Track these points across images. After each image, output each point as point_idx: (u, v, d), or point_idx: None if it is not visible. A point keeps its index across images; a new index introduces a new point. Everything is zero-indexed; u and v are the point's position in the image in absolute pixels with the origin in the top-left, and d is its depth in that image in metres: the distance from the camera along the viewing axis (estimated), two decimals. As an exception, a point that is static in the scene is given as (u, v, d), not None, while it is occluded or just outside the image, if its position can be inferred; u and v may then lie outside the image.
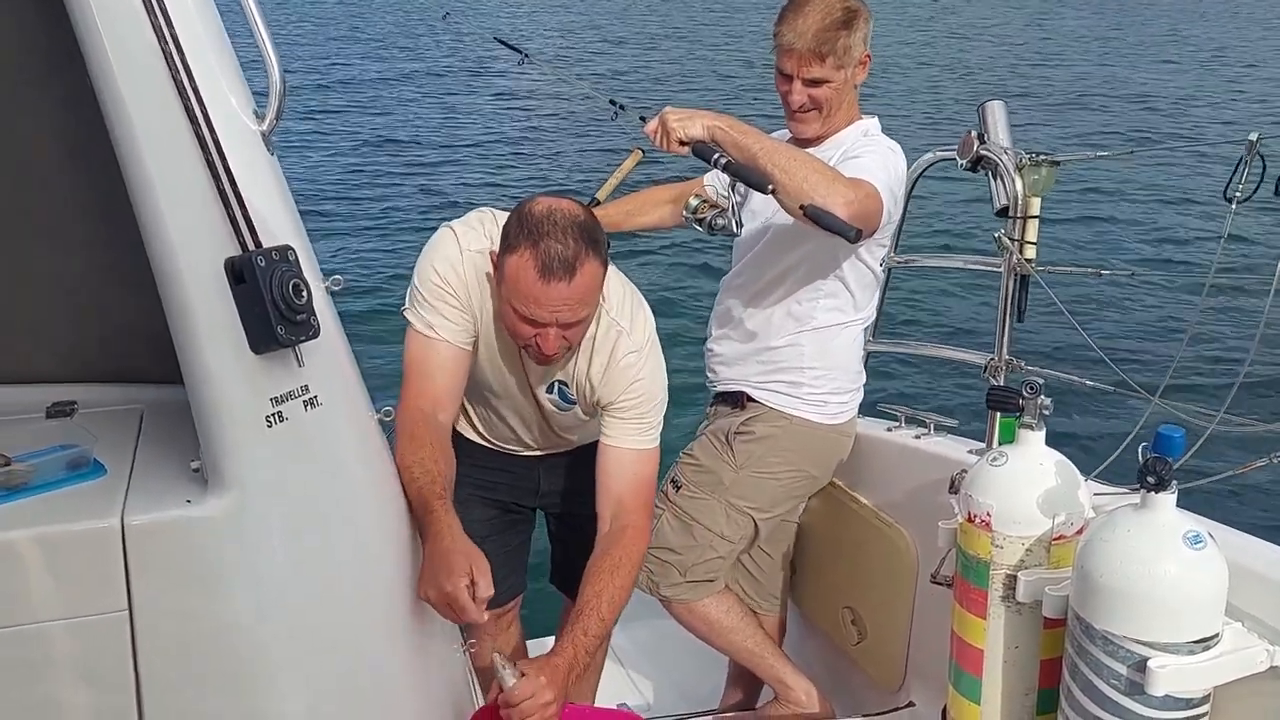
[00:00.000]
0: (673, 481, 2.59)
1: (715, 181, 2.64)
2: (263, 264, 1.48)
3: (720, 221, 2.36)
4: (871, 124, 2.45)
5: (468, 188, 12.60)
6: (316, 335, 1.56)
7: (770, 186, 2.00)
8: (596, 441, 2.24)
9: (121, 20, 1.40)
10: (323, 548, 1.61)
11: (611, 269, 2.15)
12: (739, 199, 2.48)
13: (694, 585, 2.54)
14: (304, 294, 1.53)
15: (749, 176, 2.03)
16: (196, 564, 1.45)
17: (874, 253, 2.45)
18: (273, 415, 1.52)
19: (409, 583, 1.85)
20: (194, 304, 1.43)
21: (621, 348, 2.09)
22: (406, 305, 2.10)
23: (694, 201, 2.45)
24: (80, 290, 1.87)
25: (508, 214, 2.04)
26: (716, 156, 2.07)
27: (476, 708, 2.05)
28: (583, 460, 2.41)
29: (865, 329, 2.65)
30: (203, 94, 1.45)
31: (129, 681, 1.43)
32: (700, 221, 2.41)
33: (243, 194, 1.49)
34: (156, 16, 1.40)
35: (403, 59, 23.45)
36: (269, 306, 1.48)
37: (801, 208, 2.02)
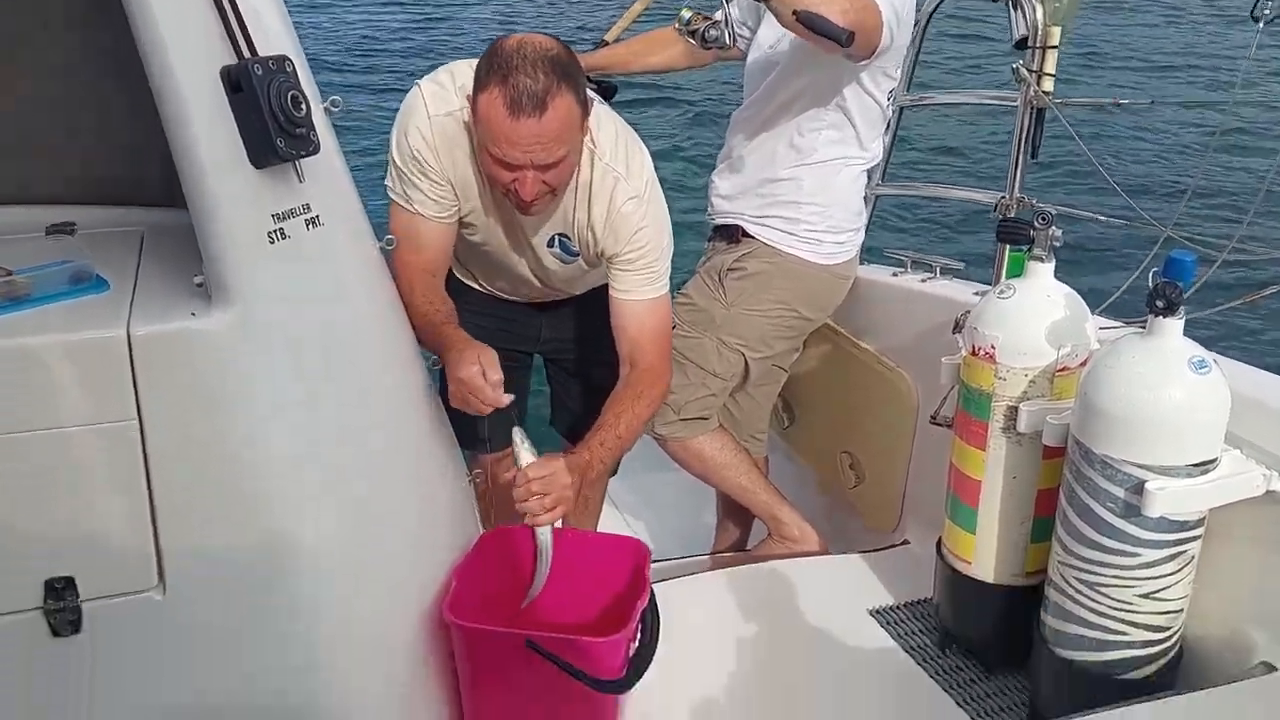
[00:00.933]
0: None
1: (734, 11, 2.53)
2: (259, 73, 1.44)
3: (713, 33, 2.28)
4: None
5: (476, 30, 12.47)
6: (317, 151, 1.53)
7: None
8: (598, 288, 2.24)
9: None
10: (328, 366, 1.62)
11: (605, 111, 2.09)
12: (738, 15, 2.41)
13: (688, 423, 2.57)
14: (303, 106, 1.49)
15: None
16: (203, 377, 1.45)
17: (879, 83, 2.38)
18: (275, 231, 1.50)
19: (414, 404, 1.87)
20: (192, 115, 1.40)
21: (620, 194, 2.03)
22: (387, 174, 2.06)
23: (686, 14, 2.38)
24: (79, 111, 1.83)
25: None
26: None
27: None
28: (585, 307, 2.41)
29: (870, 170, 2.61)
30: None
31: (142, 490, 1.44)
32: (694, 34, 2.34)
33: (238, 3, 1.44)
34: None
35: None
36: (267, 118, 1.45)
37: (794, 13, 1.97)
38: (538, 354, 2.63)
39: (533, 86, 1.77)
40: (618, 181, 2.03)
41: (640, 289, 2.10)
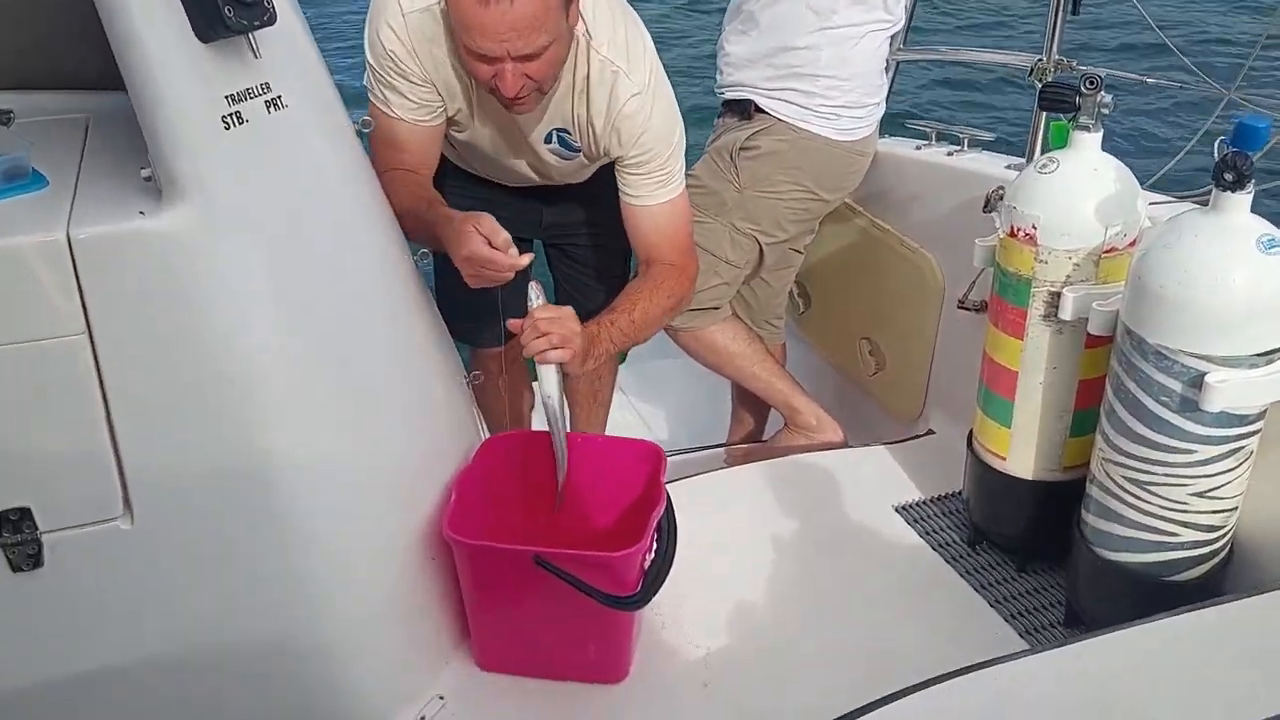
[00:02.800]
0: None
1: None
2: (204, -71, 1.24)
3: None
4: None
5: None
6: (273, 21, 1.34)
7: None
8: (604, 171, 2.07)
9: None
10: (301, 262, 1.46)
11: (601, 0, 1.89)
12: None
13: (700, 313, 2.42)
14: None
15: None
16: (157, 281, 1.30)
17: None
18: (230, 116, 1.33)
19: (403, 300, 1.71)
20: None
21: (621, 91, 1.86)
22: (364, 74, 1.88)
23: None
24: None
25: None
26: None
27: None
28: (588, 192, 2.25)
29: (893, 36, 2.40)
30: None
31: (98, 409, 1.30)
32: None
33: None
34: None
35: None
36: (213, -18, 1.26)
37: None
38: (540, 239, 2.47)
39: None
40: (618, 76, 1.85)
41: (654, 193, 1.96)
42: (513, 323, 1.75)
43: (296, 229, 1.46)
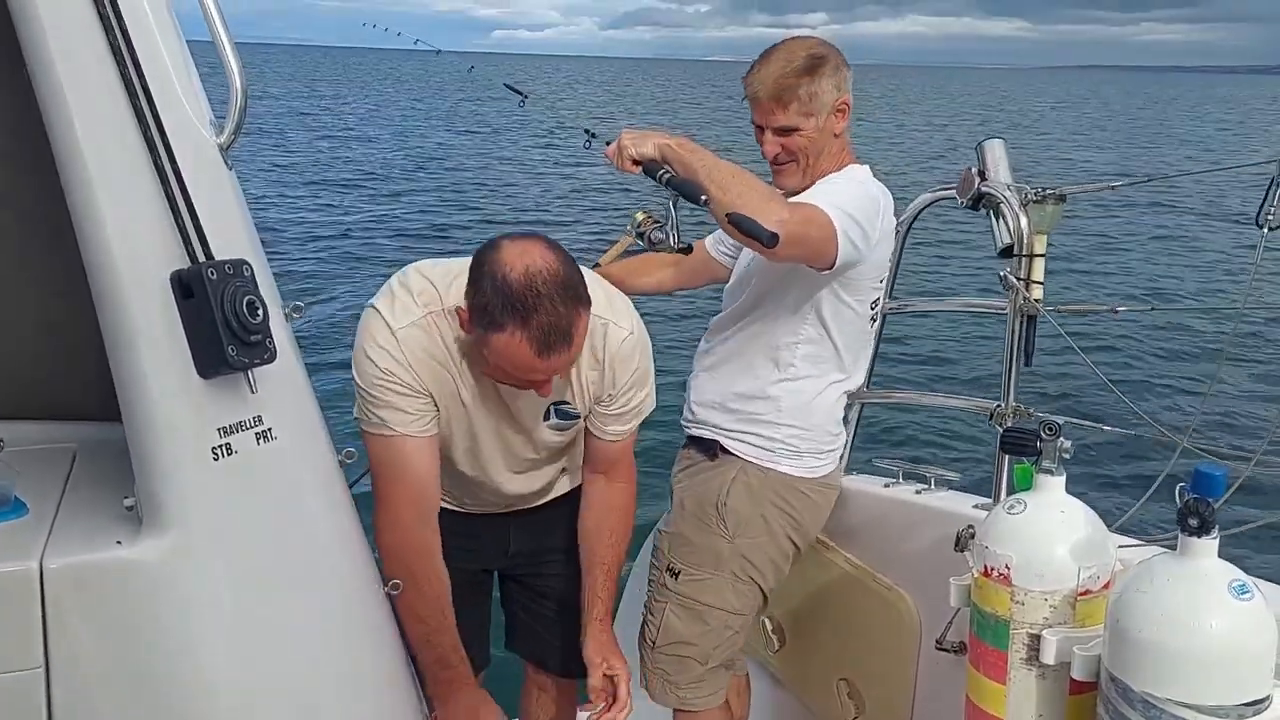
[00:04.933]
0: (669, 570, 2.43)
1: (718, 243, 2.59)
2: (214, 277, 1.34)
3: (658, 235, 2.26)
4: (861, 170, 2.35)
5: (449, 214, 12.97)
6: (272, 359, 1.40)
7: (703, 197, 1.98)
8: (566, 495, 2.29)
9: (70, 21, 1.27)
10: (275, 599, 1.43)
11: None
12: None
13: (714, 672, 2.41)
14: (259, 312, 1.38)
15: (686, 189, 2.01)
16: (127, 614, 1.27)
17: (858, 298, 2.32)
18: (220, 447, 1.36)
19: (372, 641, 1.66)
20: (135, 320, 1.28)
21: (613, 337, 2.01)
22: (355, 406, 1.94)
23: (639, 216, 2.38)
24: (13, 324, 1.71)
25: (433, 268, 1.94)
26: (661, 172, 2.05)
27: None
28: (553, 516, 2.32)
29: (849, 391, 2.51)
30: (155, 100, 1.32)
31: None
32: (641, 236, 2.34)
33: (195, 205, 1.35)
34: (109, 19, 1.28)
35: (411, 105, 25.11)
36: (220, 325, 1.33)
37: (726, 216, 1.97)
38: (501, 572, 2.46)
39: (558, 324, 1.75)
40: (608, 327, 2.00)
41: (624, 428, 2.14)
42: None
43: (271, 561, 1.45)
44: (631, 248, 2.54)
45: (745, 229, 1.94)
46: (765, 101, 2.23)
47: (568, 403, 2.06)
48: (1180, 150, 28.73)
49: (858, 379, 2.48)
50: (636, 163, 2.09)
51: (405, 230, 13.62)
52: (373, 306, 1.91)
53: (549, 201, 15.29)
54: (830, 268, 2.15)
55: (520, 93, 3.36)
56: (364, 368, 1.88)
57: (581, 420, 2.13)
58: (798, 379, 2.37)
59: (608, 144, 2.18)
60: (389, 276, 1.97)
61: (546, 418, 2.08)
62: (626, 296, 2.11)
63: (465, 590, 2.30)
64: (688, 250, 2.28)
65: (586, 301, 1.82)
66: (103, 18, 1.29)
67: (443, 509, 2.25)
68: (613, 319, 2.01)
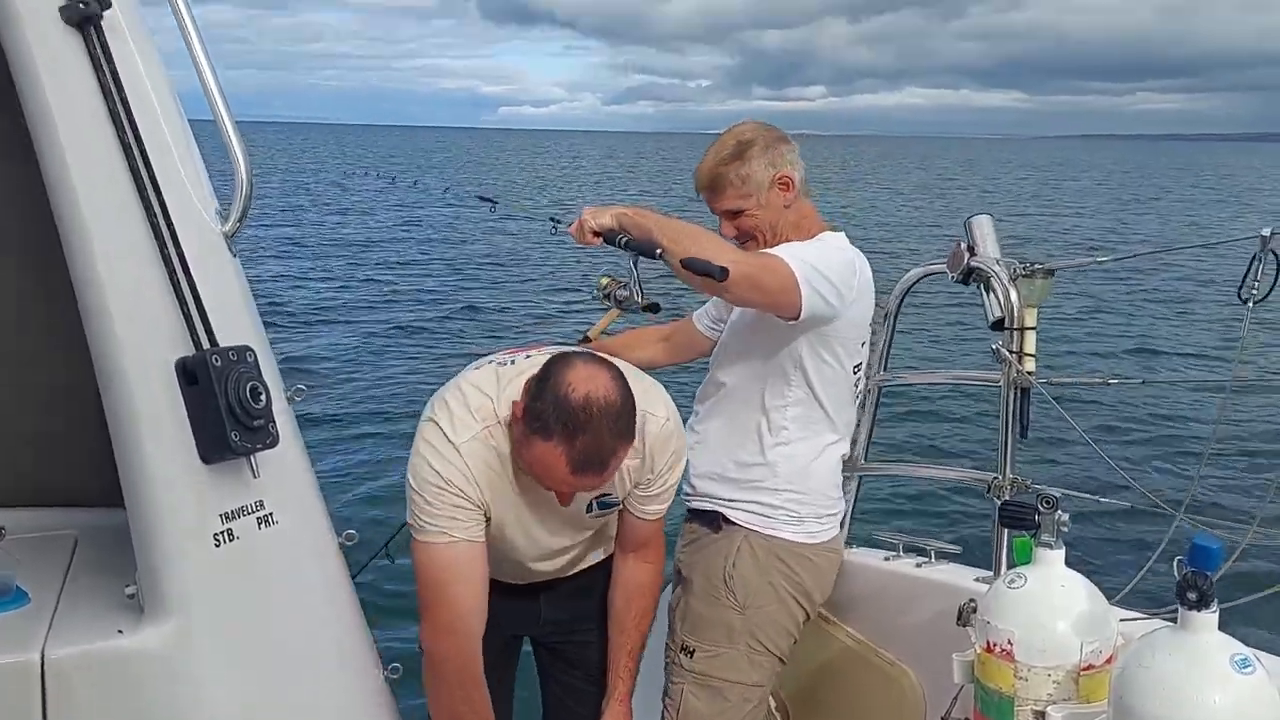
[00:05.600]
0: (683, 649, 2.42)
1: (710, 310, 2.63)
2: (218, 364, 1.35)
3: (621, 294, 2.39)
4: (834, 237, 2.40)
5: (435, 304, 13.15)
6: (275, 444, 1.42)
7: (659, 250, 2.10)
8: (598, 564, 2.30)
9: (79, 111, 1.31)
10: (276, 684, 1.43)
11: (614, 361, 2.12)
12: (713, 311, 2.59)
13: None
14: (262, 398, 1.40)
15: (643, 247, 2.14)
16: (128, 703, 1.27)
17: (839, 354, 2.34)
18: (222, 533, 1.36)
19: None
20: (140, 406, 1.29)
21: (651, 426, 2.07)
22: (409, 514, 1.95)
23: (603, 281, 2.46)
24: (14, 411, 1.72)
25: (484, 378, 2.01)
26: (619, 237, 2.18)
27: None
28: (584, 585, 2.33)
29: (844, 455, 2.52)
30: (162, 189, 1.36)
31: None
32: (609, 297, 2.45)
33: (200, 293, 1.37)
34: (117, 110, 1.32)
35: (392, 214, 25.83)
36: (223, 410, 1.35)
37: (680, 262, 2.07)
38: (534, 639, 2.48)
39: (599, 452, 1.83)
40: (645, 416, 2.03)
41: (658, 509, 2.18)
42: None
43: (272, 647, 1.45)
44: (617, 322, 2.64)
45: (698, 269, 2.05)
46: (704, 191, 2.37)
47: (610, 494, 2.12)
48: (1175, 219, 29.21)
49: (846, 432, 2.49)
50: (597, 234, 2.21)
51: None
52: (433, 420, 1.96)
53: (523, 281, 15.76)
54: (797, 317, 2.19)
55: (491, 200, 3.57)
56: (424, 478, 1.91)
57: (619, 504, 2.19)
58: (791, 442, 2.39)
59: (568, 225, 2.31)
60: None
61: (589, 510, 2.14)
62: (659, 386, 2.17)
63: (502, 655, 2.38)
64: (655, 308, 2.37)
65: (630, 437, 1.90)
66: (110, 109, 1.32)
67: None
68: (649, 409, 2.05)
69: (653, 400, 2.10)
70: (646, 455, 2.09)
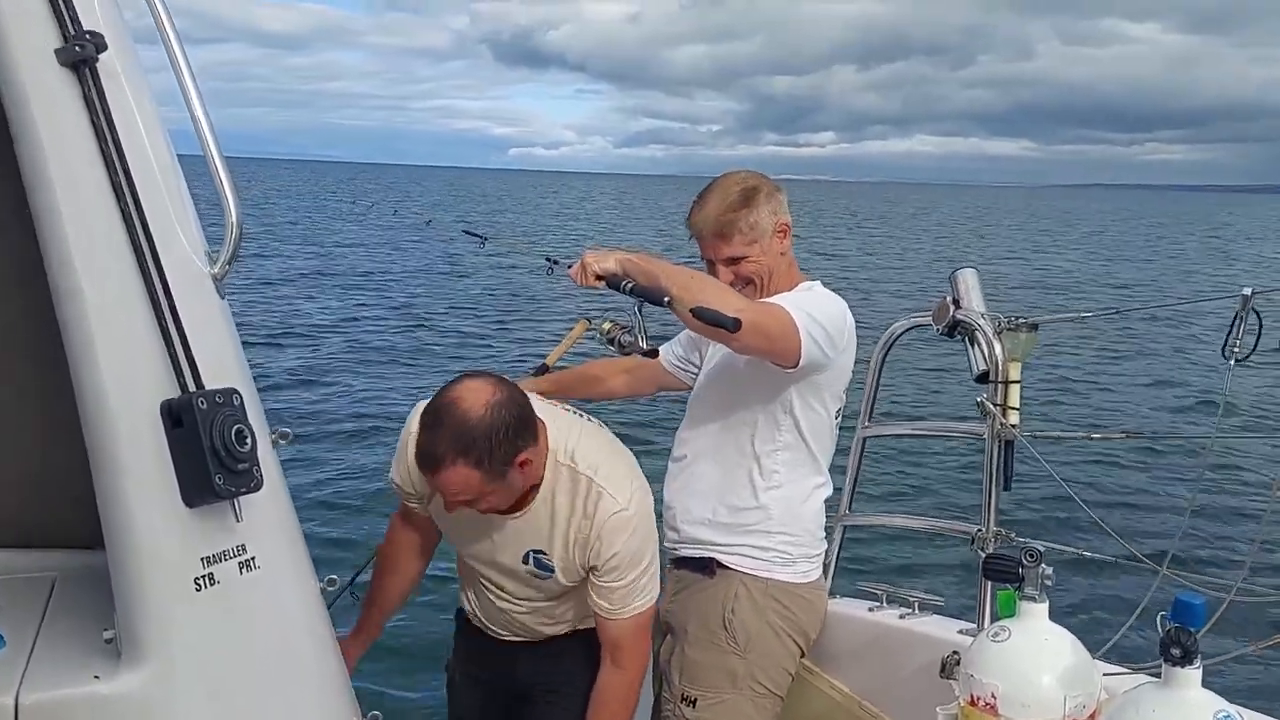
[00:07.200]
0: (684, 699, 2.40)
1: (676, 349, 2.66)
2: (204, 407, 1.35)
3: (626, 339, 2.35)
4: (817, 285, 2.44)
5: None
6: (258, 488, 1.41)
7: (666, 299, 2.09)
8: (576, 630, 2.27)
9: (71, 154, 1.32)
10: None
11: (590, 426, 2.17)
12: (680, 353, 2.63)
13: None
14: (248, 441, 1.39)
15: (649, 294, 2.13)
16: None
17: (826, 402, 2.37)
18: (203, 577, 1.35)
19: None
20: (124, 448, 1.29)
21: (605, 509, 2.05)
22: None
23: (605, 325, 2.45)
24: None
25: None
26: (624, 283, 2.18)
27: None
28: (562, 646, 2.32)
29: (827, 496, 2.53)
30: (152, 231, 1.36)
31: None
32: (611, 341, 2.40)
33: (187, 335, 1.37)
34: (110, 153, 1.33)
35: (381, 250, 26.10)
36: (208, 453, 1.34)
37: (691, 310, 2.06)
38: (517, 693, 2.45)
39: (430, 450, 1.88)
40: (602, 496, 2.04)
41: (621, 608, 2.10)
42: None
43: (252, 693, 1.43)
44: (581, 345, 2.67)
45: (709, 319, 2.05)
46: (709, 238, 2.36)
47: (545, 553, 2.12)
48: (1174, 269, 29.70)
49: (829, 481, 2.50)
50: (600, 278, 2.21)
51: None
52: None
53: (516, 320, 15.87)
54: (795, 365, 2.21)
55: (479, 236, 3.59)
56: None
57: (559, 576, 2.15)
58: (783, 485, 2.40)
59: (569, 266, 2.31)
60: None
61: (525, 561, 2.14)
62: (639, 472, 2.16)
63: (485, 707, 2.47)
64: (654, 354, 2.38)
65: (471, 456, 1.88)
66: (103, 151, 1.33)
67: (466, 621, 2.42)
68: (608, 489, 2.06)
69: (617, 484, 2.09)
70: (593, 534, 2.06)
